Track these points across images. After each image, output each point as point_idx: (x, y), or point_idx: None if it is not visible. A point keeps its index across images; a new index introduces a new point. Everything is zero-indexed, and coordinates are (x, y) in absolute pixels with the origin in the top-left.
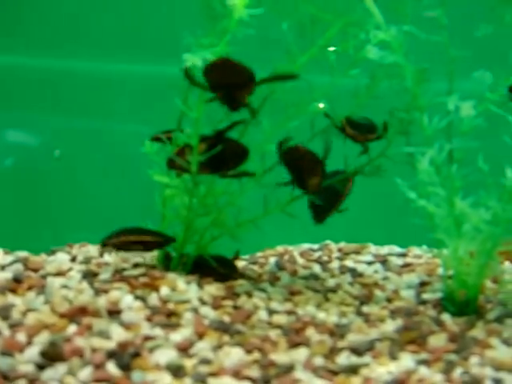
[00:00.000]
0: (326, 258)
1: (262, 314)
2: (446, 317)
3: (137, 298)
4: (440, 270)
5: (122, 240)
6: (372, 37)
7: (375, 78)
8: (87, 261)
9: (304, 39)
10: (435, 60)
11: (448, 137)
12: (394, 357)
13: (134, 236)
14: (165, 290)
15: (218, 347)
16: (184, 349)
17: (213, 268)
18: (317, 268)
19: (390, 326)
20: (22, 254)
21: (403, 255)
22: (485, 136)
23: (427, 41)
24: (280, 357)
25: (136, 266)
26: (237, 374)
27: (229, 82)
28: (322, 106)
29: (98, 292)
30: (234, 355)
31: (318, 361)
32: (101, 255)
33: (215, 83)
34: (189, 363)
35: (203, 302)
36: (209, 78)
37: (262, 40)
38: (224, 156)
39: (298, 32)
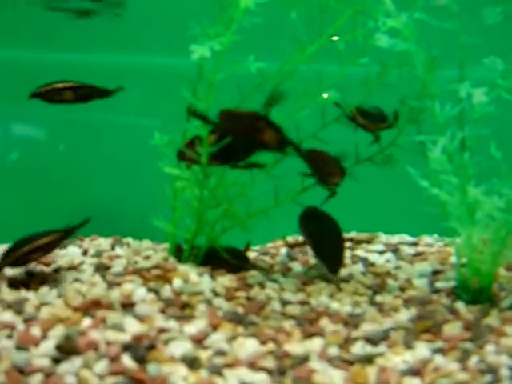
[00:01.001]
0: None
1: (276, 305)
2: (459, 305)
3: (150, 290)
4: (452, 259)
5: (17, 255)
6: (381, 24)
7: (385, 66)
8: (99, 254)
9: (313, 28)
10: (445, 47)
11: (460, 124)
12: (409, 346)
13: (28, 246)
14: (177, 282)
15: (232, 338)
16: (199, 340)
17: (224, 259)
18: None
19: (404, 316)
20: None
21: (414, 244)
22: (497, 123)
23: (437, 28)
24: (295, 347)
25: (147, 258)
26: (252, 365)
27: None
28: (326, 95)
29: (110, 285)
30: (248, 346)
31: (333, 351)
32: (112, 248)
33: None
34: (204, 355)
35: (216, 294)
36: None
37: (271, 29)
38: (234, 147)
39: (307, 21)
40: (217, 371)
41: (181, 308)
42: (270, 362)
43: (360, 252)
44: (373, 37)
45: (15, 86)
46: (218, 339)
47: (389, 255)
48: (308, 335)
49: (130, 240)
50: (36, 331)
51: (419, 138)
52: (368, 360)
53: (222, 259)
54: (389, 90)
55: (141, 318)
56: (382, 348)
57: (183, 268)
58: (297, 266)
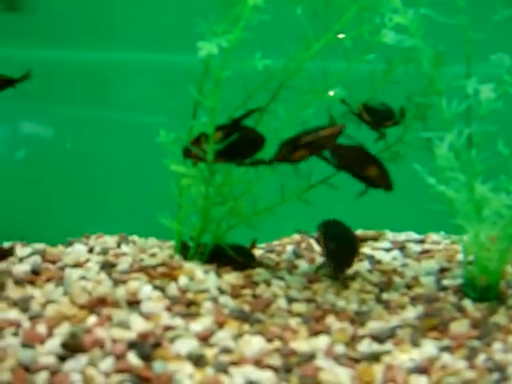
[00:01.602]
0: None
1: (282, 303)
2: (467, 303)
3: (156, 288)
4: (459, 256)
5: None
6: (388, 21)
7: (392, 62)
8: (105, 252)
9: (319, 25)
10: (452, 43)
11: (467, 121)
12: (415, 344)
13: None
14: (183, 280)
15: (238, 336)
16: (204, 338)
17: (230, 257)
18: None
19: (411, 313)
20: (40, 245)
21: (421, 241)
22: (504, 119)
23: (444, 24)
24: (301, 345)
25: (153, 255)
26: (258, 363)
27: None
28: (332, 93)
29: (116, 283)
30: (254, 344)
31: (340, 349)
32: (118, 246)
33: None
34: (210, 352)
35: (222, 291)
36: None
37: (276, 26)
38: (240, 144)
39: (313, 17)
40: (223, 369)
41: (186, 306)
42: (276, 360)
43: (366, 249)
44: (379, 33)
45: None
46: (223, 337)
47: (395, 253)
48: (314, 333)
49: (135, 238)
50: (42, 329)
51: (426, 134)
52: (374, 358)
53: (228, 257)
54: (395, 86)
55: (146, 316)
56: (388, 346)
57: (189, 265)
58: (303, 264)
